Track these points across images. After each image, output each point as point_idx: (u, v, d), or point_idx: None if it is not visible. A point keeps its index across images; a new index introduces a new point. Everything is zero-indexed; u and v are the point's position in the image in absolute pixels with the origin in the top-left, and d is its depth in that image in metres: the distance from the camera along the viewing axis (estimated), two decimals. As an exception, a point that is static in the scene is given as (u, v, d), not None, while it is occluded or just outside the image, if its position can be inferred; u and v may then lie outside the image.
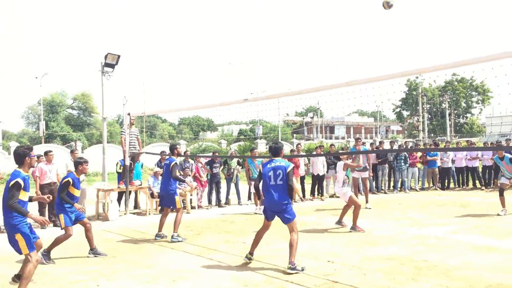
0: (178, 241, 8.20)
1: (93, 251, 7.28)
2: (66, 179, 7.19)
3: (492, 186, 16.16)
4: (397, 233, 8.65)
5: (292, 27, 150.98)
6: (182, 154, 9.11)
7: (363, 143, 16.72)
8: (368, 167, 13.06)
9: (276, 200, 6.38)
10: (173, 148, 9.04)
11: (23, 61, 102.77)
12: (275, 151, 6.70)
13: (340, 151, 17.91)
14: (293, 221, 6.38)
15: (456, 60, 5.61)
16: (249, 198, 13.63)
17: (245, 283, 5.63)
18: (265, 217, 6.67)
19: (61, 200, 7.09)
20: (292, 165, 6.54)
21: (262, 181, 6.63)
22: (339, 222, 9.33)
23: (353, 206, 9.11)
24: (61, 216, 7.07)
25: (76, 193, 7.28)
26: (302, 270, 6.12)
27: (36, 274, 6.14)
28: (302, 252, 7.18)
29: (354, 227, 9.02)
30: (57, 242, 7.08)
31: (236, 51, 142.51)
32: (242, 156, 19.18)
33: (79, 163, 7.41)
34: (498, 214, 10.25)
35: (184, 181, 9.48)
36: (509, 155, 10.59)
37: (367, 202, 12.37)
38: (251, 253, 6.65)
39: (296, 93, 7.99)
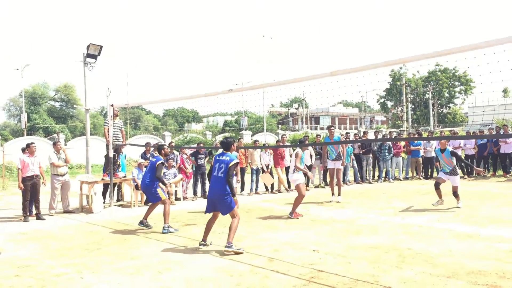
0: (170, 232, 8.24)
1: None
2: None
3: (474, 174, 16.41)
4: (381, 222, 8.74)
5: (276, 17, 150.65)
6: (169, 154, 9.29)
7: (345, 135, 16.78)
8: (342, 156, 12.01)
9: (215, 191, 6.84)
10: (161, 149, 9.11)
11: (3, 52, 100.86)
12: (225, 146, 7.15)
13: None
14: (232, 210, 6.80)
15: (439, 49, 5.64)
16: None
17: (230, 273, 5.64)
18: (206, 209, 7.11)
19: None
20: (235, 161, 6.90)
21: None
22: (291, 213, 9.53)
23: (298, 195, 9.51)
24: None
25: None
26: (239, 250, 6.56)
27: (19, 267, 6.09)
28: (287, 242, 7.23)
29: (292, 214, 9.44)
30: None
31: (219, 41, 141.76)
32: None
33: None
34: (433, 205, 10.11)
35: (164, 184, 9.18)
36: (451, 148, 10.23)
37: (339, 194, 11.77)
38: (204, 240, 7.04)
39: (281, 83, 7.99)
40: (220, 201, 6.81)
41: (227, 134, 33.09)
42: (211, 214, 7.13)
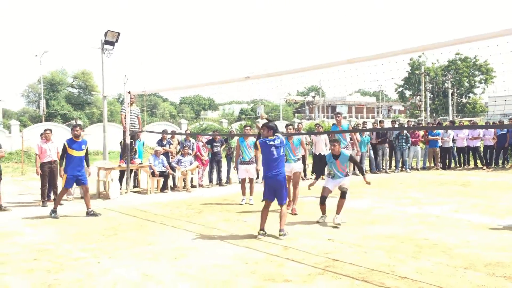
0: (95, 215, 8.72)
1: None
2: None
3: (493, 165, 16.18)
4: (397, 212, 8.66)
5: (294, 4, 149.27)
6: (78, 135, 8.70)
7: (362, 124, 16.55)
8: (355, 146, 11.35)
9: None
10: (71, 129, 9.26)
11: (23, 38, 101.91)
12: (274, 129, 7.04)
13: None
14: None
15: (461, 37, 5.51)
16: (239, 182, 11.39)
17: (245, 260, 5.65)
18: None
19: None
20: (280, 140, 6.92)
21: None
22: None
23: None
24: None
25: None
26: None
27: (37, 251, 6.19)
28: (302, 231, 7.21)
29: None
30: None
31: (233, 30, 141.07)
32: (243, 134, 19.08)
33: None
34: (318, 222, 7.94)
35: (60, 166, 9.18)
36: (346, 152, 8.22)
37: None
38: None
39: (298, 70, 7.93)
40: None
41: (243, 122, 33.03)
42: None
